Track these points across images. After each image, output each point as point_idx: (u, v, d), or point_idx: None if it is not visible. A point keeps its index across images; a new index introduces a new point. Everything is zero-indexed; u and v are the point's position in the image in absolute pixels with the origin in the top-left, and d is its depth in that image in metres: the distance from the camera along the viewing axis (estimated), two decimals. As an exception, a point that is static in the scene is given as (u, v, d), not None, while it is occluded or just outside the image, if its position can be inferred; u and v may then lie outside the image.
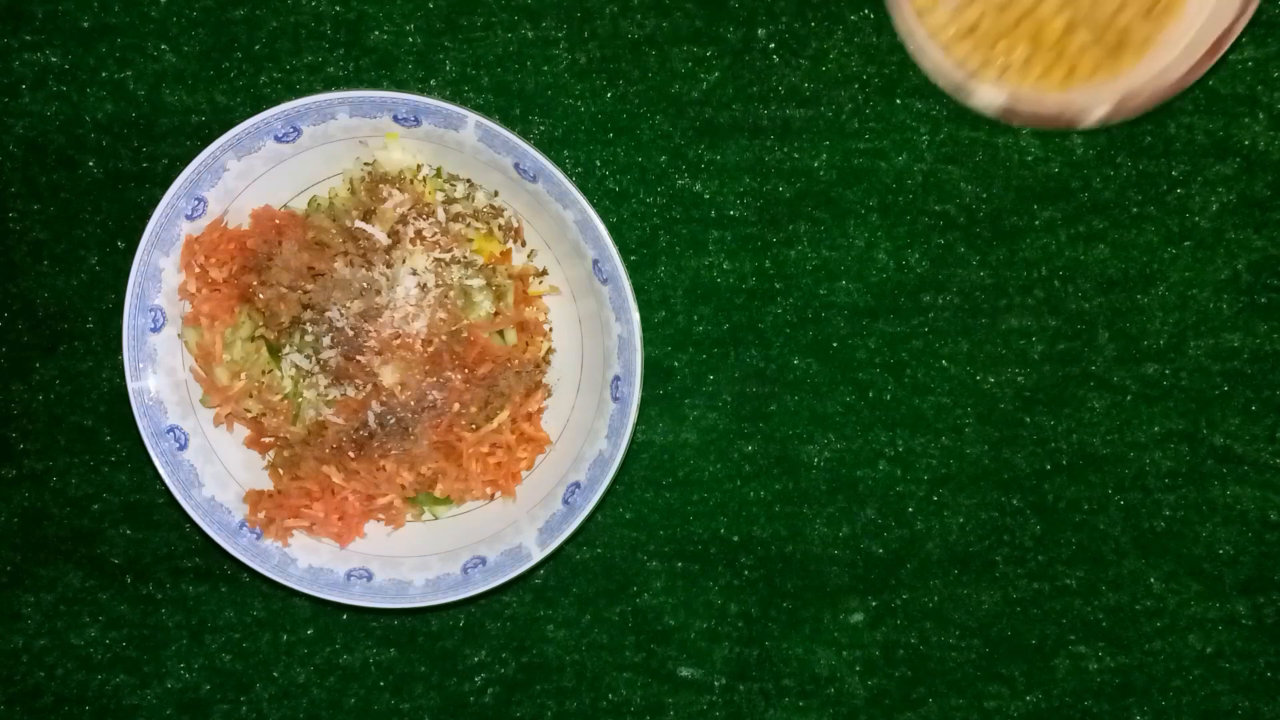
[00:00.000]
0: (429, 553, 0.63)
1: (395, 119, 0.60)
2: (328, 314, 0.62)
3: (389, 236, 0.62)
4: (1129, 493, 0.66)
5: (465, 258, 0.63)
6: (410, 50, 0.64)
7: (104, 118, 0.65)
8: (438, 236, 0.62)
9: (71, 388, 0.67)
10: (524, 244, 0.64)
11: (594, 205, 0.59)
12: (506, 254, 0.64)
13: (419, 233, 0.62)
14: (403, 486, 0.63)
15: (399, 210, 0.62)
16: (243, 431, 0.64)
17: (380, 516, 0.64)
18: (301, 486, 0.63)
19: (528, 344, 0.63)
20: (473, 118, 0.59)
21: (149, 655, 0.67)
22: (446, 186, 0.63)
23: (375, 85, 0.65)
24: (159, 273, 0.61)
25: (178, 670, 0.67)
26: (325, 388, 0.63)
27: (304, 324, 0.62)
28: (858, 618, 0.66)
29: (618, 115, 0.65)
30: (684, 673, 0.67)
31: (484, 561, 0.62)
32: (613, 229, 0.60)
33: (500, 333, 0.63)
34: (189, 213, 0.61)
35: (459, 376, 0.62)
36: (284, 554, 0.63)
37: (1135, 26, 0.55)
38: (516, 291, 0.63)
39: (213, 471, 0.63)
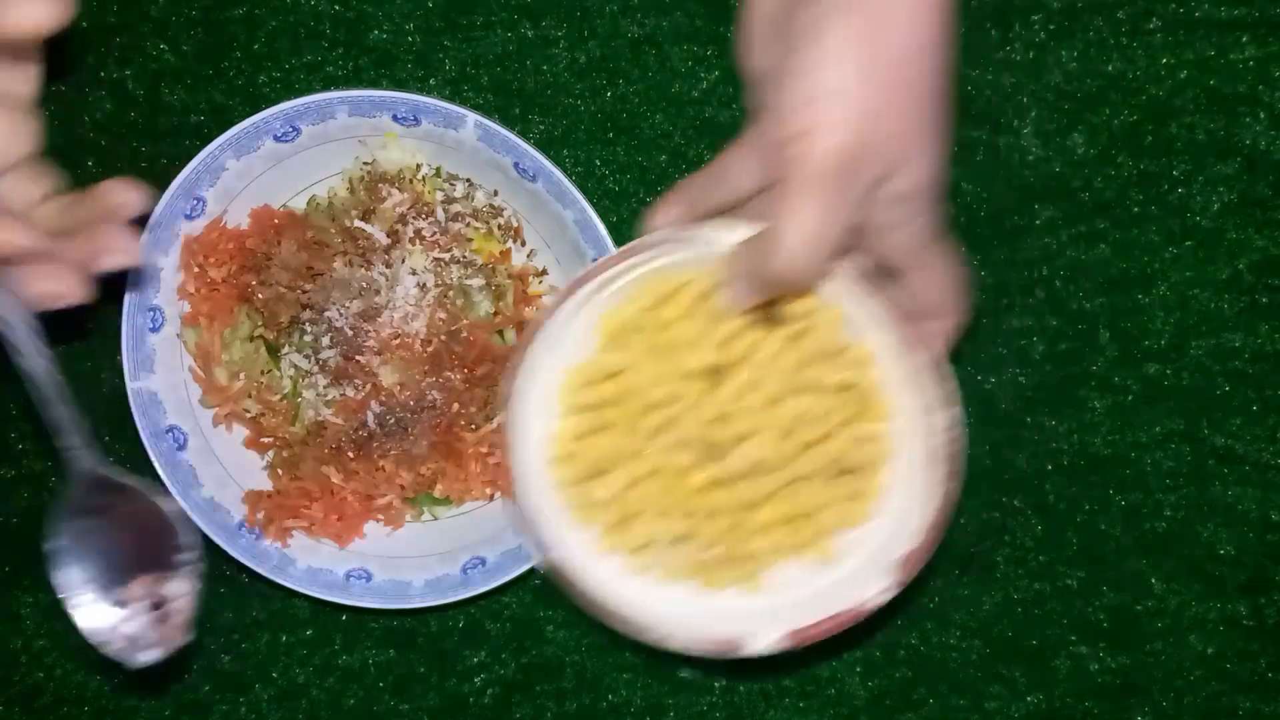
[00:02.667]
0: (428, 553, 0.63)
1: (394, 118, 0.60)
2: (327, 314, 0.62)
3: (388, 236, 0.62)
4: (1130, 493, 0.66)
5: (465, 257, 0.63)
6: (410, 49, 0.64)
7: (102, 117, 0.65)
8: (437, 236, 0.62)
9: (70, 388, 0.67)
10: (524, 243, 0.64)
11: (594, 205, 0.59)
12: (506, 254, 0.64)
13: (418, 232, 0.62)
14: (402, 487, 0.63)
15: (398, 210, 0.62)
16: (242, 432, 0.64)
17: (380, 517, 0.64)
18: (301, 487, 0.63)
19: (527, 344, 0.63)
20: (472, 117, 0.59)
21: (148, 656, 0.67)
22: (446, 186, 0.63)
23: (374, 84, 0.65)
24: (158, 273, 0.61)
25: (177, 671, 0.67)
26: (324, 388, 0.63)
27: (303, 324, 0.62)
28: (858, 618, 0.66)
29: (618, 114, 0.65)
30: (684, 673, 0.67)
31: (484, 562, 0.62)
32: (613, 229, 0.60)
33: (500, 333, 0.63)
34: (188, 212, 0.61)
35: (459, 376, 0.62)
36: (283, 554, 0.63)
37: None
38: (516, 291, 0.63)
39: (212, 472, 0.63)
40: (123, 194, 0.47)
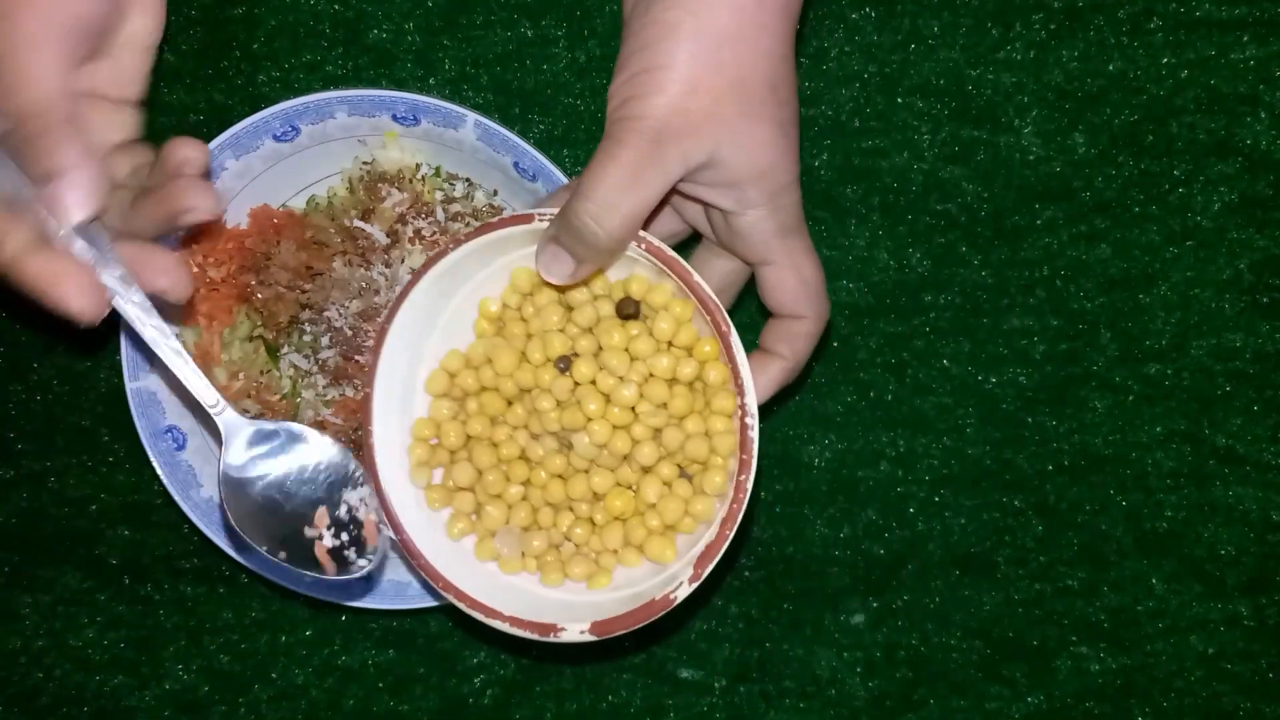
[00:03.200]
0: (428, 553, 0.63)
1: (394, 118, 0.60)
2: (326, 314, 0.62)
3: (388, 236, 0.62)
4: (1131, 493, 0.66)
5: (464, 257, 0.62)
6: (409, 49, 0.64)
7: (102, 117, 0.65)
8: (436, 236, 0.62)
9: (70, 388, 0.67)
10: (523, 243, 0.64)
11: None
12: (506, 253, 0.63)
13: (418, 232, 0.62)
14: (402, 487, 0.63)
15: (398, 209, 0.62)
16: (241, 432, 0.64)
17: (379, 517, 0.64)
18: (300, 487, 0.63)
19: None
20: (472, 116, 0.59)
21: (147, 656, 0.67)
22: (445, 185, 0.63)
23: (374, 84, 0.65)
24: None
25: (176, 671, 0.67)
26: (324, 388, 0.63)
27: (302, 324, 0.62)
28: (859, 619, 0.66)
29: (618, 114, 0.65)
30: (684, 674, 0.66)
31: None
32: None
33: (500, 333, 0.63)
34: (187, 212, 0.61)
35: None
36: (282, 555, 0.62)
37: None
38: (516, 291, 0.63)
39: (211, 472, 0.63)
40: (186, 149, 0.48)
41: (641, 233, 0.48)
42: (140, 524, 0.67)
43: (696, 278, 0.48)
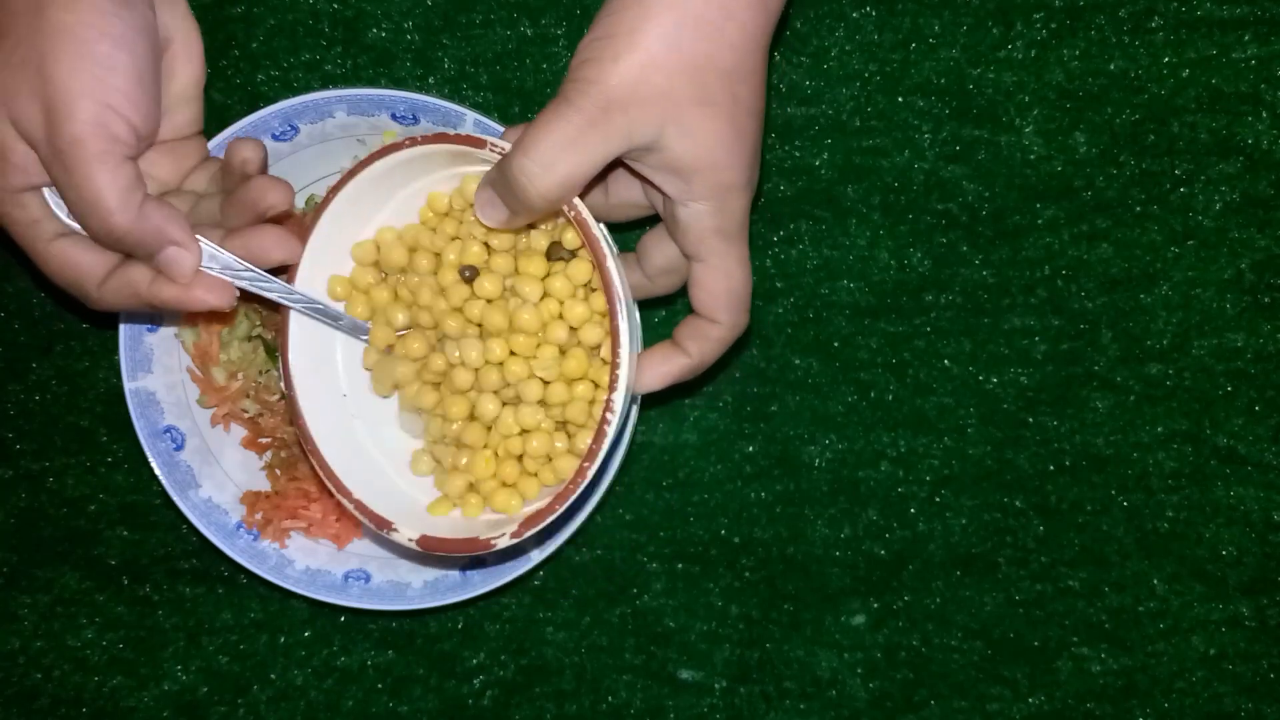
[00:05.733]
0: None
1: (393, 117, 0.59)
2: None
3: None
4: (1132, 494, 0.66)
5: (464, 257, 0.62)
6: (408, 48, 0.64)
7: (100, 116, 0.65)
8: (436, 235, 0.62)
9: (68, 388, 0.67)
10: (523, 243, 0.64)
11: (593, 204, 0.58)
12: (505, 253, 0.63)
13: (417, 232, 0.62)
14: (401, 487, 0.63)
15: (397, 209, 0.62)
16: (240, 432, 0.64)
17: (378, 517, 0.64)
18: (299, 487, 0.62)
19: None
20: (471, 115, 0.58)
21: (146, 657, 0.67)
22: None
23: (373, 83, 0.64)
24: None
25: (175, 672, 0.67)
26: (323, 388, 0.63)
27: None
28: (859, 619, 0.66)
29: (617, 113, 0.65)
30: (684, 675, 0.66)
31: (483, 563, 0.62)
32: (612, 228, 0.59)
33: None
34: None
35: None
36: (281, 555, 0.62)
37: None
38: (515, 291, 0.63)
39: (210, 472, 0.62)
40: (244, 151, 0.52)
41: (576, 201, 0.48)
42: (139, 524, 0.67)
43: (610, 263, 0.49)
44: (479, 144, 0.49)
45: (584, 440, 0.52)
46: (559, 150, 0.45)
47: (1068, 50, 0.64)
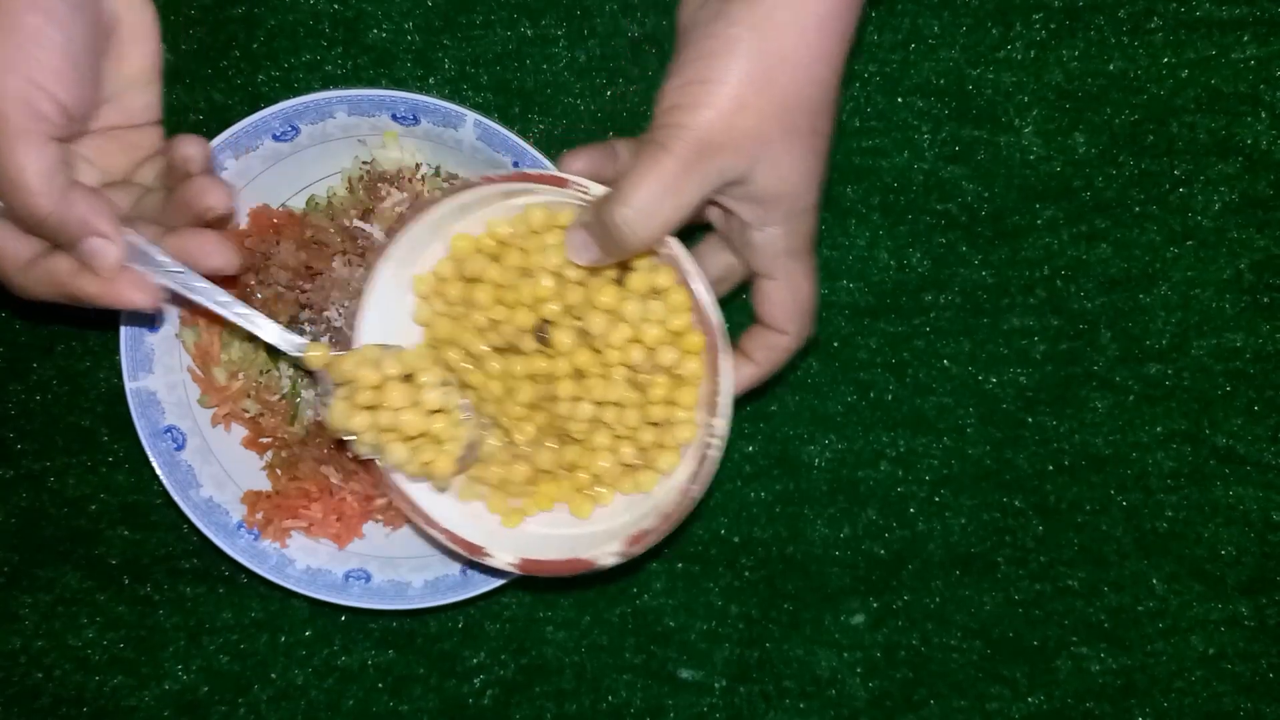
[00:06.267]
0: (428, 553, 0.63)
1: (394, 117, 0.59)
2: (325, 313, 0.62)
3: (388, 236, 0.62)
4: (1131, 493, 0.66)
5: (464, 257, 0.62)
6: (409, 48, 0.64)
7: (101, 116, 0.65)
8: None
9: (69, 388, 0.67)
10: (523, 243, 0.64)
11: (594, 204, 0.59)
12: (506, 253, 0.63)
13: (418, 232, 0.62)
14: (401, 487, 0.63)
15: (398, 209, 0.62)
16: (241, 432, 0.64)
17: (379, 517, 0.64)
18: (300, 487, 0.62)
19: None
20: (471, 116, 0.58)
21: (147, 656, 0.67)
22: (445, 185, 0.63)
23: (374, 83, 0.64)
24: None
25: (175, 672, 0.67)
26: (323, 388, 0.63)
27: (302, 324, 0.62)
28: (859, 619, 0.66)
29: (618, 113, 0.65)
30: (684, 674, 0.66)
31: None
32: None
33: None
34: (187, 212, 0.61)
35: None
36: (282, 555, 0.62)
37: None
38: (516, 291, 0.63)
39: (210, 472, 0.63)
40: (186, 148, 0.51)
41: (668, 239, 0.49)
42: (140, 524, 0.67)
43: (706, 298, 0.49)
44: (561, 183, 0.50)
45: (665, 458, 0.53)
46: (658, 197, 0.46)
47: (1067, 51, 0.64)
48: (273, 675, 0.67)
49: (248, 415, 0.63)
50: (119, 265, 0.48)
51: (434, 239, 0.55)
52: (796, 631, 0.66)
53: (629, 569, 0.66)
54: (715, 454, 0.50)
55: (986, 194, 0.65)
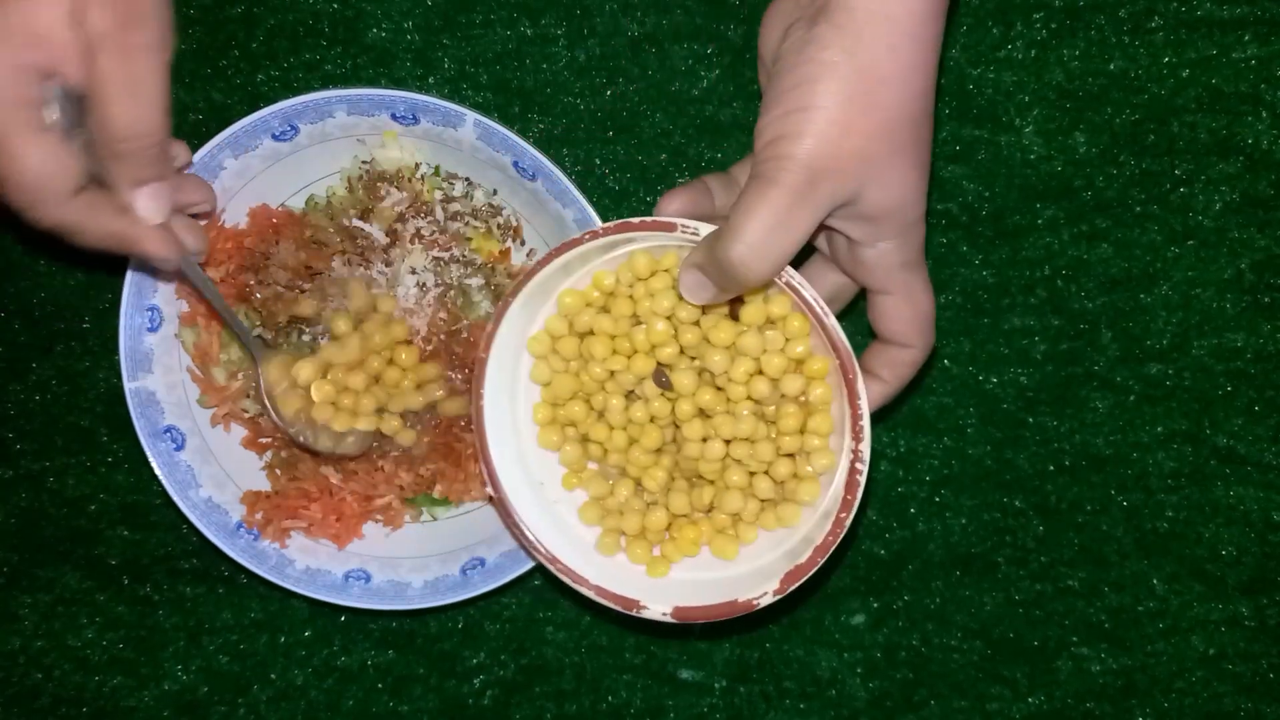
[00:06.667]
0: (427, 554, 0.63)
1: (393, 117, 0.59)
2: (325, 313, 0.62)
3: (387, 235, 0.62)
4: (1131, 493, 0.66)
5: (464, 256, 0.62)
6: (408, 48, 0.64)
7: (100, 116, 0.65)
8: (436, 235, 0.62)
9: (68, 388, 0.67)
10: (523, 243, 0.64)
11: (593, 204, 0.58)
12: (505, 253, 0.63)
13: (417, 231, 0.62)
14: (401, 487, 0.63)
15: (397, 209, 0.62)
16: (240, 432, 0.64)
17: (378, 517, 0.64)
18: (299, 487, 0.62)
19: (527, 344, 0.63)
20: (471, 116, 0.58)
21: (146, 657, 0.67)
22: (445, 185, 0.63)
23: (373, 83, 0.64)
24: (155, 272, 0.61)
25: (175, 672, 0.67)
26: (323, 388, 0.63)
27: (301, 324, 0.62)
28: (859, 619, 0.66)
29: (618, 113, 0.65)
30: (684, 674, 0.66)
31: (483, 563, 0.62)
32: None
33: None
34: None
35: (459, 376, 0.62)
36: (281, 555, 0.62)
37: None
38: (516, 291, 0.63)
39: (210, 472, 0.62)
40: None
41: (789, 269, 0.49)
42: (139, 524, 0.67)
43: (831, 322, 0.49)
44: (668, 228, 0.49)
45: (806, 488, 0.52)
46: (771, 230, 0.45)
47: (1068, 50, 0.64)
48: (272, 675, 0.67)
49: (247, 415, 0.63)
50: (164, 215, 0.51)
51: (542, 300, 0.55)
52: (796, 632, 0.66)
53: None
54: (862, 479, 0.50)
55: (987, 193, 0.65)
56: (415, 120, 0.59)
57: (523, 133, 0.62)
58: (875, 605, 0.66)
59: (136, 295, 0.61)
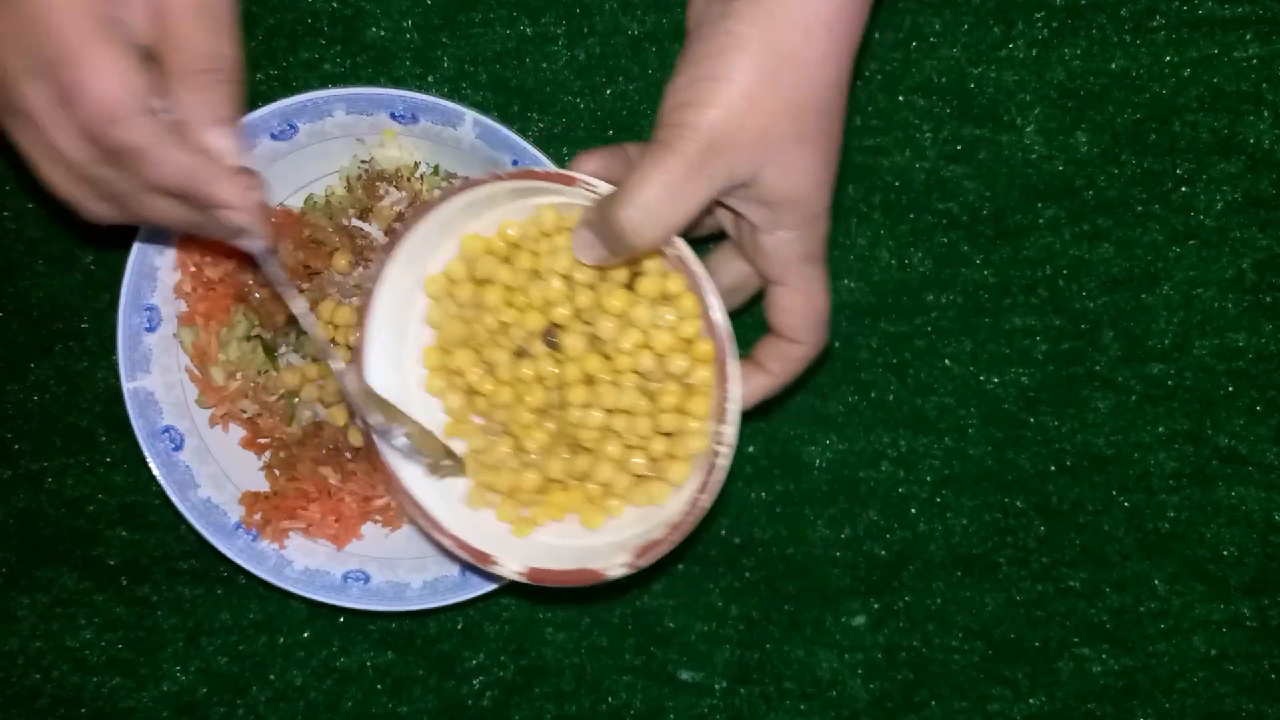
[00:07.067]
0: (427, 554, 0.63)
1: (392, 116, 0.59)
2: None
3: (386, 235, 0.62)
4: (1133, 494, 0.66)
5: (463, 256, 0.62)
6: (408, 47, 0.64)
7: (99, 115, 0.64)
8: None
9: (67, 388, 0.67)
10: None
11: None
12: (505, 253, 0.63)
13: (417, 231, 0.62)
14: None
15: (396, 208, 0.62)
16: (239, 432, 0.64)
17: (378, 518, 0.64)
18: (298, 488, 0.62)
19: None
20: (470, 115, 0.58)
21: (145, 657, 0.67)
22: (444, 184, 0.63)
23: (372, 82, 0.64)
24: (154, 271, 0.61)
25: (174, 673, 0.67)
26: (322, 388, 0.63)
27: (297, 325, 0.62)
28: (860, 620, 0.66)
29: (617, 112, 0.64)
30: (684, 675, 0.66)
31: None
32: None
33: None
34: (184, 211, 0.61)
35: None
36: (280, 556, 0.62)
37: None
38: (515, 290, 0.63)
39: (208, 472, 0.62)
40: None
41: (676, 239, 0.48)
42: (138, 525, 0.67)
43: (713, 300, 0.49)
44: (569, 181, 0.49)
45: (676, 469, 0.52)
46: (663, 198, 0.45)
47: (1069, 49, 0.64)
48: (271, 676, 0.67)
49: (246, 416, 0.63)
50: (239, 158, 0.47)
51: (445, 239, 0.54)
52: (797, 632, 0.66)
53: (634, 578, 0.66)
54: (724, 463, 0.49)
55: (988, 193, 0.65)
56: (414, 119, 0.59)
57: (522, 132, 0.62)
58: (876, 606, 0.66)
59: (135, 295, 0.60)
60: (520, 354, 0.54)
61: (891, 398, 0.66)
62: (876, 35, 0.64)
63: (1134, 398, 0.65)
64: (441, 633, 0.67)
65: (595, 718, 0.66)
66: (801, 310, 0.50)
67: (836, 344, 0.65)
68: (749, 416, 0.66)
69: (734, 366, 0.49)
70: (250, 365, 0.62)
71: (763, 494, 0.66)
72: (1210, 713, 0.66)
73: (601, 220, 0.47)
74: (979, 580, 0.66)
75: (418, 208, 0.53)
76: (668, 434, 0.52)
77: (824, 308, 0.50)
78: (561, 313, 0.52)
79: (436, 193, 0.62)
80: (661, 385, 0.51)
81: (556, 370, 0.53)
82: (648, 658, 0.66)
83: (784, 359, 0.51)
